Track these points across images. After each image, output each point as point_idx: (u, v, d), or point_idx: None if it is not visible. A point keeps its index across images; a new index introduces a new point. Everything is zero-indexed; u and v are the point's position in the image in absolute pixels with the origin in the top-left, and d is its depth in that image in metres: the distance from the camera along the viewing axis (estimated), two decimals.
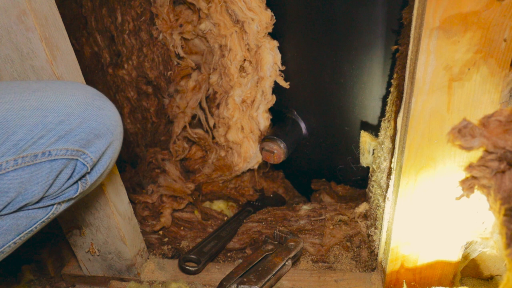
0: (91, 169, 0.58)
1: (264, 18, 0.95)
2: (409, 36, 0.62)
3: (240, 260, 0.98)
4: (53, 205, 0.58)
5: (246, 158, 1.14)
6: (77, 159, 0.55)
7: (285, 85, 1.02)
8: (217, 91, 1.10)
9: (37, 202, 0.55)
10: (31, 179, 0.52)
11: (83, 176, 0.58)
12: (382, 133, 0.85)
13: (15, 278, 1.00)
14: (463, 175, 0.60)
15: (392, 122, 0.77)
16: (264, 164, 1.23)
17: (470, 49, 0.56)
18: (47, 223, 0.59)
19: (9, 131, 0.49)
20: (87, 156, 0.56)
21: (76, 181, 0.58)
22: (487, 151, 0.52)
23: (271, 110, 1.10)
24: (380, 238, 0.85)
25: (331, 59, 0.96)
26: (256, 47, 0.98)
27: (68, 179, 0.56)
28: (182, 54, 1.10)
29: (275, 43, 0.98)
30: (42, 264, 1.00)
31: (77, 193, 0.58)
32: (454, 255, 0.75)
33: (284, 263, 0.87)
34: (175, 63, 1.13)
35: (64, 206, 0.60)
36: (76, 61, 0.70)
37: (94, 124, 0.55)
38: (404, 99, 0.66)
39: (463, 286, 0.81)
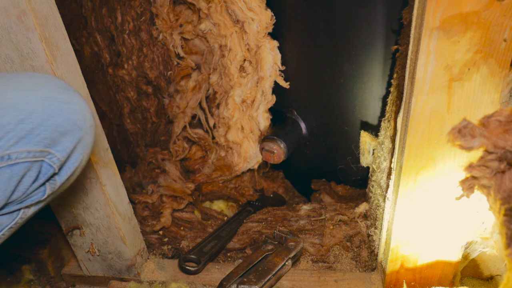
0: (60, 169, 0.54)
1: (264, 18, 0.95)
2: (409, 36, 0.62)
3: (240, 260, 0.98)
4: (19, 209, 0.54)
5: (246, 158, 1.14)
6: (42, 160, 0.51)
7: (285, 85, 1.02)
8: (217, 91, 1.10)
9: (1, 209, 0.51)
10: None
11: (51, 177, 0.54)
12: (382, 133, 0.85)
13: (15, 278, 1.00)
14: (463, 175, 0.60)
15: (392, 122, 0.77)
16: (264, 164, 1.23)
17: (470, 49, 0.56)
18: (16, 229, 0.56)
19: None
20: (53, 156, 0.52)
21: (44, 183, 0.54)
22: (487, 151, 0.52)
23: (271, 110, 1.10)
24: (380, 238, 0.85)
25: (331, 59, 0.96)
26: (256, 47, 0.98)
27: (33, 182, 0.52)
28: (182, 54, 1.10)
29: (275, 43, 0.98)
30: (42, 264, 1.00)
31: (45, 195, 0.55)
32: (454, 255, 0.75)
33: (284, 263, 0.87)
34: (175, 63, 1.13)
35: (33, 209, 0.56)
36: (76, 61, 0.70)
37: (59, 120, 0.50)
38: (404, 99, 0.66)
39: (463, 286, 0.81)
